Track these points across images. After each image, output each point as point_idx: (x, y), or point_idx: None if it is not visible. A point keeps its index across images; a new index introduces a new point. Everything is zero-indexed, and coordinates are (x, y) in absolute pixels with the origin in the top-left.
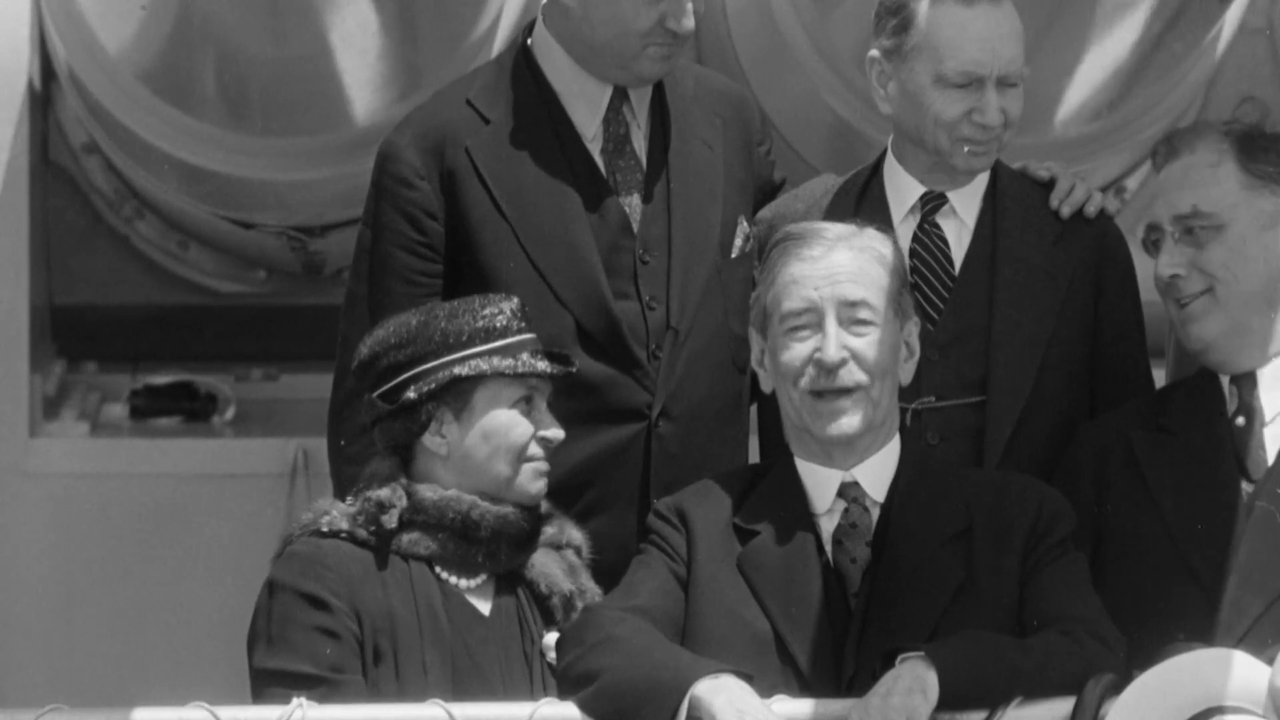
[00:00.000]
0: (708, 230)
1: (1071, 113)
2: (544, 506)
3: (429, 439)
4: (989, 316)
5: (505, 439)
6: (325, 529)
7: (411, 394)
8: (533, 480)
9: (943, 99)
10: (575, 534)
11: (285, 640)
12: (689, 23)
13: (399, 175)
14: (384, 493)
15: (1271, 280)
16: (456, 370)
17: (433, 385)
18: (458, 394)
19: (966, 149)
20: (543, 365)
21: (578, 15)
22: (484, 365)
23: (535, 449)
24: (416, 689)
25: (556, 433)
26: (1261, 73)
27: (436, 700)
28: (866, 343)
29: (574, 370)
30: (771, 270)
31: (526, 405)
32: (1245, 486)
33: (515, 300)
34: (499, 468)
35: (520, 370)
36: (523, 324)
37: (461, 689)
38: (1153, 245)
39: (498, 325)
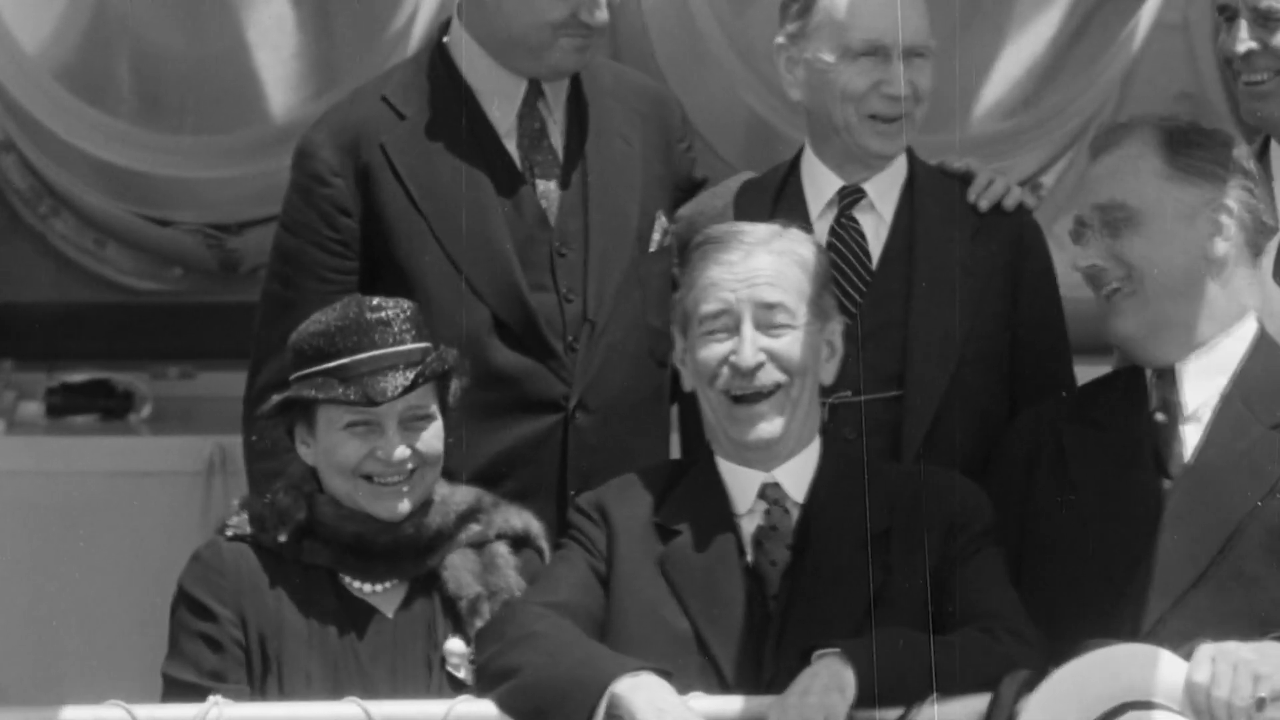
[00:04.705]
0: (625, 224)
1: (988, 109)
2: (469, 502)
3: (299, 448)
4: (906, 311)
5: (333, 459)
6: (231, 533)
7: (266, 408)
8: (375, 501)
9: (849, 72)
10: (517, 523)
11: (176, 646)
12: (602, 15)
13: (313, 172)
14: (287, 501)
15: (1190, 271)
16: (291, 391)
17: (277, 402)
18: (304, 410)
19: (876, 128)
20: (339, 393)
21: (492, 7)
22: (306, 388)
23: (373, 467)
24: (299, 699)
25: (392, 453)
26: (1177, 69)
27: (354, 699)
28: (784, 343)
29: (377, 405)
30: (691, 273)
31: (365, 427)
32: (1164, 483)
33: (369, 315)
34: (336, 484)
35: (320, 397)
36: (364, 340)
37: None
38: (1077, 237)
39: (338, 345)
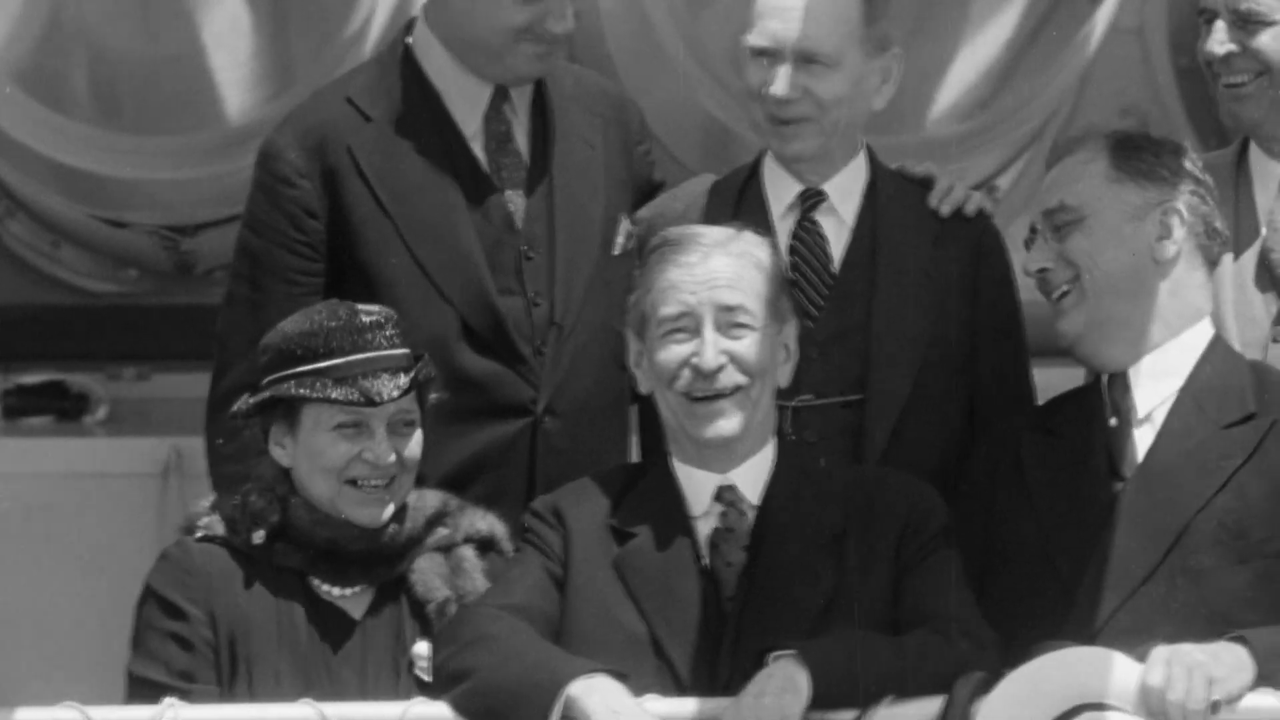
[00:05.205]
0: (590, 227)
1: (944, 111)
2: (436, 506)
3: (273, 449)
4: (868, 315)
5: (319, 460)
6: (201, 534)
7: (241, 406)
8: (356, 506)
9: (749, 70)
10: (483, 526)
11: (144, 646)
12: (566, 24)
13: (279, 174)
14: (260, 503)
15: (1136, 271)
16: (276, 389)
17: (255, 401)
18: (287, 410)
19: (773, 129)
20: (335, 393)
21: (455, 9)
22: (295, 387)
23: (360, 470)
24: (268, 700)
25: (383, 455)
26: (1133, 73)
27: (308, 700)
28: (744, 345)
29: (375, 406)
30: (649, 275)
31: (354, 429)
32: (1117, 486)
33: (362, 318)
34: (319, 487)
35: (316, 396)
36: (358, 341)
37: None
38: (1029, 245)
39: (332, 346)
